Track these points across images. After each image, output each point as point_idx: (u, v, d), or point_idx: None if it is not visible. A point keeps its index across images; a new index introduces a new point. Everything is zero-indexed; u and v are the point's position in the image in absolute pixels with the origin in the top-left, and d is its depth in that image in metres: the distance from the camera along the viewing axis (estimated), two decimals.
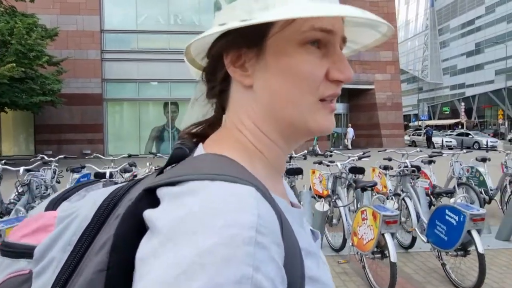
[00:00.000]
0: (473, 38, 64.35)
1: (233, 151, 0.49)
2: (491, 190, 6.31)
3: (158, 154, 5.95)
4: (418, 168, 4.82)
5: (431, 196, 4.84)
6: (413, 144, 30.59)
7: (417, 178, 4.73)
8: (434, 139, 28.16)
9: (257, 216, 0.36)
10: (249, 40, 0.50)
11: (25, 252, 0.49)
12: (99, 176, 4.54)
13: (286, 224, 0.42)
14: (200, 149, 0.52)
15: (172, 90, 19.58)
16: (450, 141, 27.78)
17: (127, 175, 5.79)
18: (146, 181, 0.50)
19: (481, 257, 3.24)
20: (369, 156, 5.14)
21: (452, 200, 3.94)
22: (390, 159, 5.77)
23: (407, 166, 4.76)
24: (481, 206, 5.40)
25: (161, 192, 0.41)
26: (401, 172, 4.66)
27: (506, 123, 47.00)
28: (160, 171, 0.50)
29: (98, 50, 18.98)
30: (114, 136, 19.80)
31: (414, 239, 4.52)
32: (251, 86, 0.51)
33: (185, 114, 0.63)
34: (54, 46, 17.09)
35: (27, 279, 0.47)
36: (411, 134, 34.19)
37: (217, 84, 0.54)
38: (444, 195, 3.87)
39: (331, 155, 6.89)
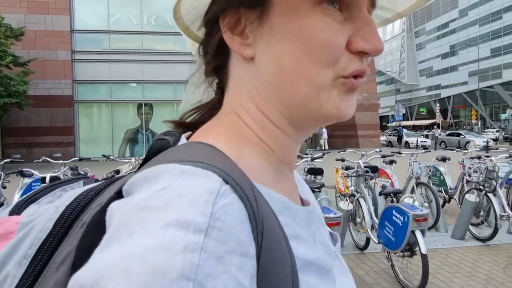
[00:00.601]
0: (447, 40, 66.12)
1: (220, 138, 0.40)
2: (450, 189, 6.38)
3: (111, 157, 5.80)
4: (374, 169, 4.81)
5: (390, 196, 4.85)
6: (389, 144, 31.22)
7: (371, 178, 4.71)
8: (409, 139, 28.68)
9: (209, 216, 0.28)
10: None
11: None
12: (44, 181, 4.35)
13: (272, 228, 0.32)
14: (183, 139, 0.42)
15: (146, 91, 19.22)
16: (425, 141, 28.32)
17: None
18: (123, 180, 0.40)
19: (424, 257, 3.22)
20: (322, 157, 5.13)
21: (406, 200, 3.95)
22: (343, 160, 5.77)
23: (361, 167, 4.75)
24: (440, 206, 5.44)
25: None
26: (355, 173, 4.65)
27: (480, 123, 48.45)
28: (140, 167, 0.39)
29: (68, 51, 18.47)
30: (86, 139, 19.29)
31: (368, 240, 4.51)
32: (252, 58, 0.41)
33: (182, 99, 0.54)
34: (22, 46, 16.58)
35: None
36: (388, 134, 34.82)
37: (212, 58, 0.44)
38: (392, 195, 3.85)
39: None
